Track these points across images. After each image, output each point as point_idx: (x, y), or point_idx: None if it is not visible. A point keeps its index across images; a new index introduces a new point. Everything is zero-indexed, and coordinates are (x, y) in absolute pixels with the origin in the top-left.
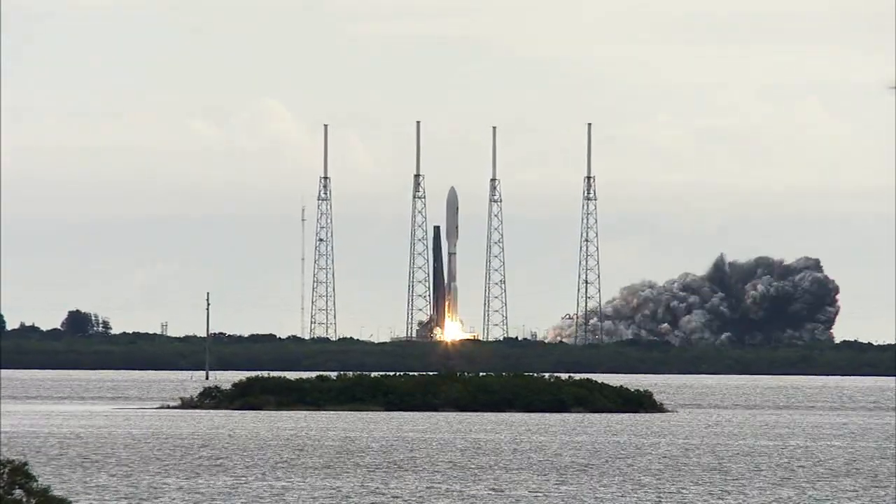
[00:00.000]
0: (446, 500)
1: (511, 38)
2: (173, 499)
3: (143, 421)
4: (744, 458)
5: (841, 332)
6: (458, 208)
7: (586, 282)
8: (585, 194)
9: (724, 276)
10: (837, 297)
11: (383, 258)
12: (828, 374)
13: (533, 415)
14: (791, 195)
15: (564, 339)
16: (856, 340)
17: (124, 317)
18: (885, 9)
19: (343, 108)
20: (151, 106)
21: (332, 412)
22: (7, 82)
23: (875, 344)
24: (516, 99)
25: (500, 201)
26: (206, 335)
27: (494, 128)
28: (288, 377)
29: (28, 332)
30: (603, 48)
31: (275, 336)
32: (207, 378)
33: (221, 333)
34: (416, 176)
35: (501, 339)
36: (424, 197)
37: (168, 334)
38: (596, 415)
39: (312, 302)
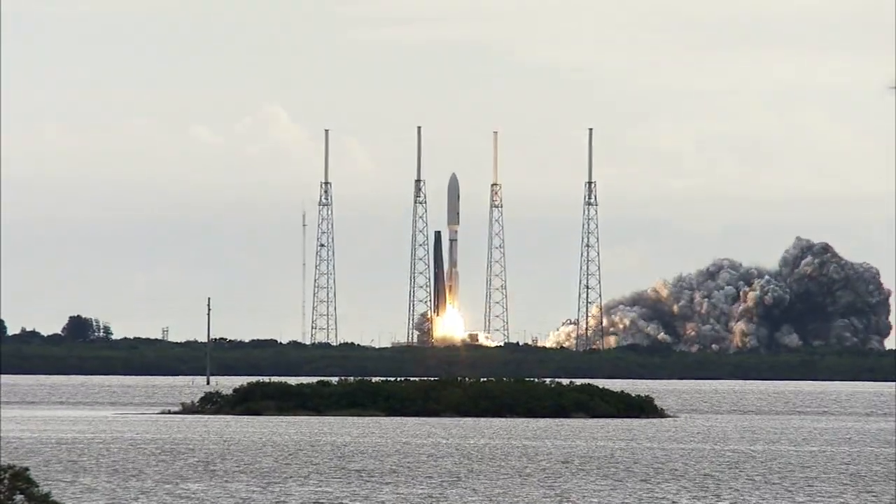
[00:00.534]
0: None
1: (512, 42)
2: None
3: (145, 426)
4: (741, 463)
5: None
6: (459, 195)
7: (587, 287)
8: (586, 199)
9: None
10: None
11: (384, 263)
12: (829, 380)
13: (533, 420)
14: (794, 201)
15: (565, 345)
16: (855, 346)
17: (125, 322)
18: (890, 14)
19: (344, 113)
20: (153, 111)
21: (332, 417)
22: (8, 86)
23: (875, 349)
24: (517, 104)
25: (501, 206)
26: (207, 340)
27: (495, 133)
28: (289, 382)
29: (29, 337)
30: (604, 53)
31: (276, 341)
32: (208, 383)
33: (223, 339)
34: (417, 181)
35: (502, 344)
36: (425, 202)
37: (169, 339)
38: (596, 420)
39: (313, 307)
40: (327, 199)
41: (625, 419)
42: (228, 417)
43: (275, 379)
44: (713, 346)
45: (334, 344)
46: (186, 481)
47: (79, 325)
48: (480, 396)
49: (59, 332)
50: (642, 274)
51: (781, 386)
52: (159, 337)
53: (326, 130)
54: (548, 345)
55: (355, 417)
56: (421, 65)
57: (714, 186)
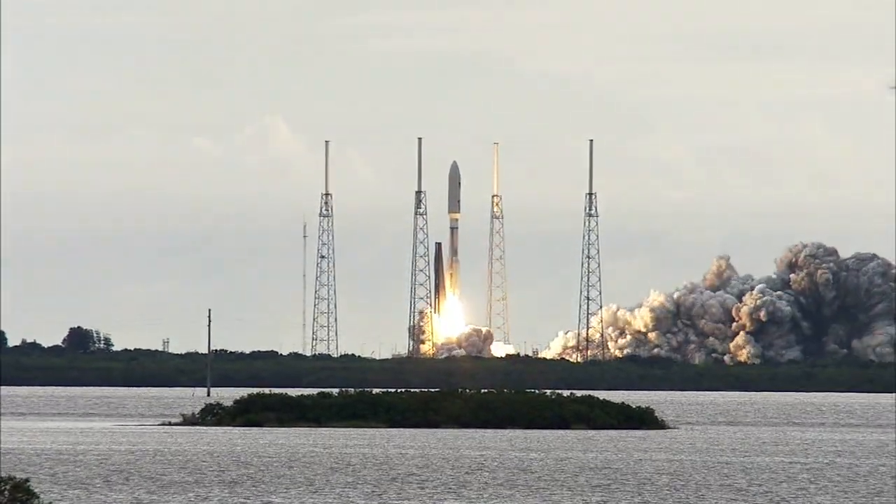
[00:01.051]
0: None
1: (512, 54)
2: None
3: (145, 438)
4: (738, 474)
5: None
6: (460, 182)
7: (588, 298)
8: (587, 211)
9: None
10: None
11: (385, 275)
12: (829, 391)
13: (534, 431)
14: (794, 212)
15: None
16: (857, 357)
17: (126, 333)
18: (888, 24)
19: (344, 124)
20: (154, 122)
21: (332, 428)
22: (8, 96)
23: (875, 361)
24: (518, 115)
25: (502, 217)
26: (207, 352)
27: (496, 144)
28: (289, 394)
29: (29, 348)
30: (605, 64)
31: (276, 353)
32: (209, 395)
33: (223, 350)
34: (418, 192)
35: (503, 355)
36: (426, 213)
37: (170, 351)
38: (597, 431)
39: (314, 318)
40: (328, 211)
41: (625, 430)
42: (229, 428)
43: (275, 390)
44: (714, 357)
45: (335, 355)
46: (187, 492)
47: (79, 337)
48: (481, 408)
49: (60, 344)
50: (643, 285)
51: (782, 397)
52: (160, 348)
53: (327, 141)
54: (548, 356)
55: (356, 429)
56: (421, 76)
57: (715, 197)
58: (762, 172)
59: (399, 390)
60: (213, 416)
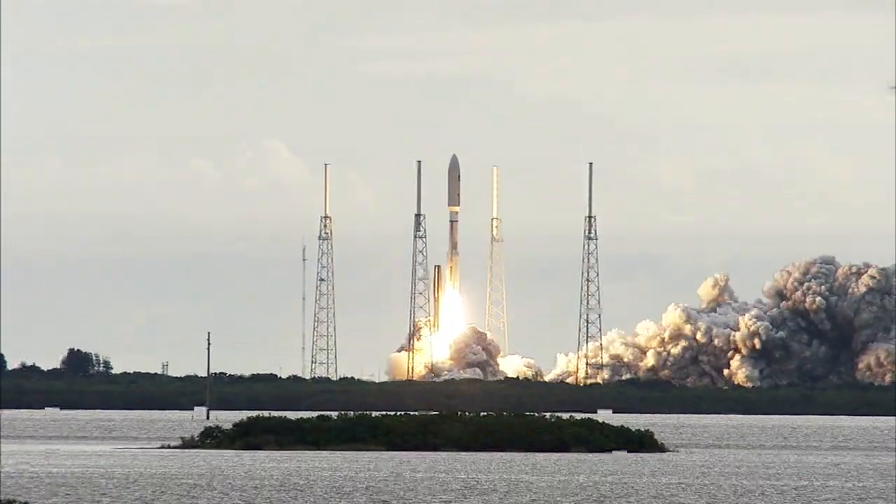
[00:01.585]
0: None
1: (512, 76)
2: None
3: (145, 461)
4: (737, 497)
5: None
6: (459, 175)
7: (587, 321)
8: (587, 234)
9: None
10: None
11: (384, 298)
12: (828, 414)
13: (533, 454)
14: (795, 236)
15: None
16: (856, 380)
17: (125, 356)
18: (888, 46)
19: (344, 147)
20: (153, 144)
21: (332, 451)
22: (7, 119)
23: (875, 384)
24: (517, 138)
25: (502, 240)
26: (206, 375)
27: (495, 167)
28: (289, 417)
29: (28, 371)
30: (605, 87)
31: (275, 376)
32: (208, 418)
33: (222, 373)
34: (417, 215)
35: (502, 378)
36: (425, 236)
37: (169, 374)
38: (596, 454)
39: (313, 341)
40: (327, 234)
41: (624, 453)
42: (228, 452)
43: (275, 413)
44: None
45: (334, 378)
46: None
47: (78, 360)
48: (480, 431)
49: (59, 367)
50: (642, 308)
51: (781, 420)
52: (159, 371)
53: (326, 164)
54: (548, 378)
55: (355, 452)
56: (421, 98)
57: (715, 221)
58: (762, 195)
59: (398, 413)
60: (212, 439)
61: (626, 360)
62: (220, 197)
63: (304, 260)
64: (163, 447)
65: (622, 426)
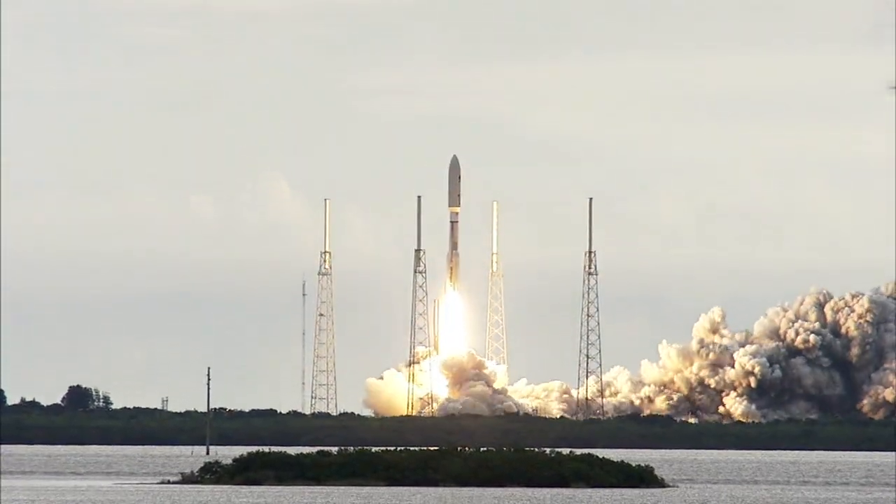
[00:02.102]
0: None
1: (512, 113)
2: None
3: (145, 496)
4: None
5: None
6: (459, 176)
7: (587, 357)
8: (587, 269)
9: None
10: None
11: (384, 333)
12: (829, 450)
13: (533, 489)
14: (796, 273)
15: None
16: (857, 417)
17: (125, 392)
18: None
19: (344, 182)
20: (152, 181)
21: (332, 487)
22: (7, 156)
23: (874, 419)
24: (517, 173)
25: (502, 275)
26: (206, 410)
27: (495, 202)
28: (288, 452)
29: (28, 407)
30: (605, 123)
31: (275, 411)
32: (208, 453)
33: (222, 408)
34: (417, 251)
35: (502, 414)
36: (425, 272)
37: (169, 409)
38: (596, 490)
39: (313, 377)
40: (327, 269)
41: (624, 489)
42: (228, 487)
43: (274, 449)
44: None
45: (334, 413)
46: None
47: (78, 395)
48: (480, 466)
49: (59, 402)
50: (642, 344)
51: (781, 456)
52: (159, 406)
53: (326, 199)
54: (548, 414)
55: (355, 487)
56: (421, 134)
57: (715, 257)
58: (764, 233)
59: (398, 448)
60: (212, 474)
61: (633, 402)
62: (219, 232)
63: (303, 295)
64: (163, 482)
65: (622, 461)
